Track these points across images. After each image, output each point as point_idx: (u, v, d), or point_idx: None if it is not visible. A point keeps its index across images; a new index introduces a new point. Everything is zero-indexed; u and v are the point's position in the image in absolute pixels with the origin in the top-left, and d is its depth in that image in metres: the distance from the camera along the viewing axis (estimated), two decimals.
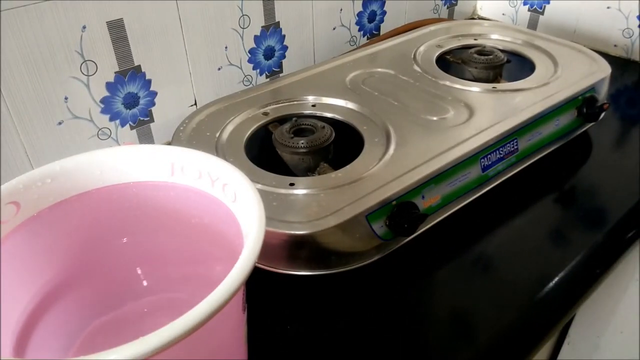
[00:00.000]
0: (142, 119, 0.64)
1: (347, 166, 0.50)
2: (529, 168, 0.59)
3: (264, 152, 0.55)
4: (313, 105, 0.61)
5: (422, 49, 0.75)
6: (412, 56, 0.72)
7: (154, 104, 0.64)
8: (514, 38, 0.77)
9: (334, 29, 0.80)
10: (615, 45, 0.87)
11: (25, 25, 0.51)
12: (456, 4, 0.99)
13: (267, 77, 0.75)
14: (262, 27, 0.71)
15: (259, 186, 0.48)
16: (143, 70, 0.61)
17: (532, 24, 0.96)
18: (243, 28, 0.69)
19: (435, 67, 0.69)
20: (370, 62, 0.71)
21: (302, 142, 0.52)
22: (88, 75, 0.57)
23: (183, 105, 0.67)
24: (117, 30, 0.57)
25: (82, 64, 0.56)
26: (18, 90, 0.53)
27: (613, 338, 0.82)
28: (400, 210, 0.46)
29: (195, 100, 0.68)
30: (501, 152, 0.55)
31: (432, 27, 0.82)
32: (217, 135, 0.56)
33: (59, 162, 0.36)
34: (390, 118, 0.57)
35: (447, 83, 0.65)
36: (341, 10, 0.80)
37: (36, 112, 0.55)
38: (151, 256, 0.41)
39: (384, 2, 0.86)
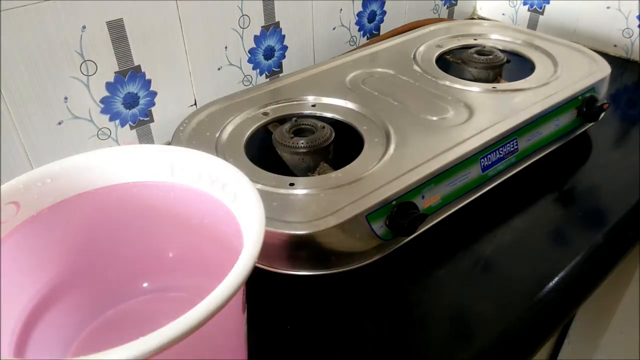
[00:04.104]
0: (142, 119, 0.64)
1: (347, 166, 0.50)
2: (529, 168, 0.59)
3: (264, 152, 0.55)
4: (313, 105, 0.61)
5: (422, 49, 0.75)
6: (412, 56, 0.72)
7: (153, 104, 0.64)
8: (514, 38, 0.77)
9: (333, 29, 0.80)
10: (615, 45, 0.87)
11: (25, 25, 0.51)
12: (456, 4, 0.99)
13: (267, 77, 0.75)
14: (262, 27, 0.71)
15: (259, 186, 0.48)
16: (143, 70, 0.61)
17: (532, 24, 0.96)
18: (243, 28, 0.69)
19: (435, 67, 0.69)
20: (370, 62, 0.71)
21: (302, 142, 0.52)
22: (88, 75, 0.57)
23: (183, 105, 0.67)
24: (117, 30, 0.57)
25: (82, 64, 0.56)
26: (18, 90, 0.53)
27: (613, 338, 0.82)
28: (400, 210, 0.46)
29: (195, 100, 0.68)
30: (501, 152, 0.55)
31: (432, 27, 0.82)
32: (217, 135, 0.56)
33: (59, 162, 0.36)
34: (390, 118, 0.57)
35: (447, 83, 0.65)
36: (341, 10, 0.80)
37: (36, 112, 0.55)
38: (151, 256, 0.41)
39: (384, 2, 0.86)
